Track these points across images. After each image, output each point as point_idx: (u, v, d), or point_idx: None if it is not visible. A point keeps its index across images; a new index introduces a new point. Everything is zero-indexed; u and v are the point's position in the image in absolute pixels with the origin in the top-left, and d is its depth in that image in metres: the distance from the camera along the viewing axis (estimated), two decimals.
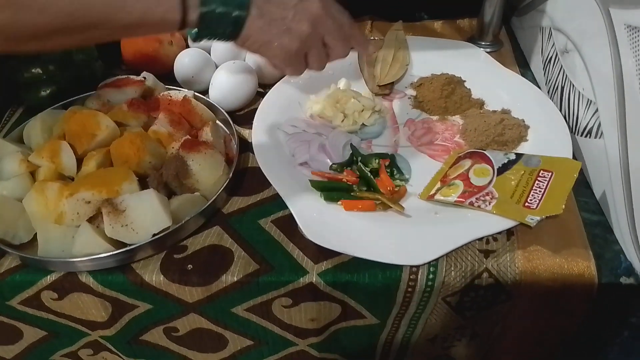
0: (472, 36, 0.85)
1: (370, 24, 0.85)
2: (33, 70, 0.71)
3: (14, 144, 0.64)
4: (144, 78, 0.70)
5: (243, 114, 0.73)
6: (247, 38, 0.52)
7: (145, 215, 0.51)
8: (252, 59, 0.75)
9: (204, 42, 0.77)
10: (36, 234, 0.55)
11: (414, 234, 0.53)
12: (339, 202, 0.57)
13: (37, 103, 0.73)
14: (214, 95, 0.71)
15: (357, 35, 0.60)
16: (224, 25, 0.50)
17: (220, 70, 0.71)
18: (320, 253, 0.54)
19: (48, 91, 0.71)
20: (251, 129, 0.67)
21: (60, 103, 0.69)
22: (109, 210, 0.51)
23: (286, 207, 0.58)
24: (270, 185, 0.61)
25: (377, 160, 0.60)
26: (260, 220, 0.58)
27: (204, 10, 0.48)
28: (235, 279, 0.52)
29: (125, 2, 0.46)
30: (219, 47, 0.76)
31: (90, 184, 0.53)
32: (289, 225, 0.57)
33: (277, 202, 0.60)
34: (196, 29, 0.50)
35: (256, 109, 0.73)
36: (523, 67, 0.80)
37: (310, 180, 0.59)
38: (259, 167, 0.63)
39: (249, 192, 0.61)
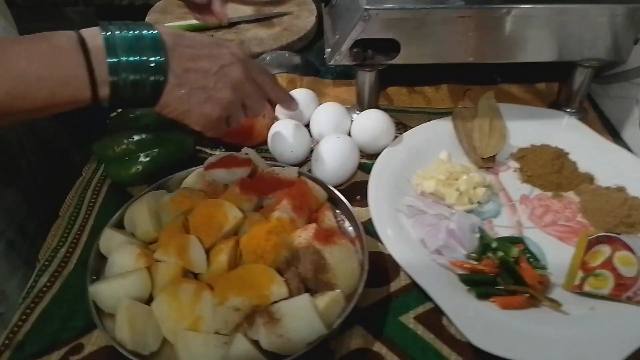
0: (554, 102, 0.85)
1: (464, 92, 0.83)
2: (124, 147, 0.66)
3: (119, 232, 0.59)
4: (247, 155, 0.66)
5: (344, 189, 0.70)
6: (165, 106, 0.52)
7: (301, 323, 0.47)
8: (355, 131, 0.72)
9: (294, 113, 0.76)
10: (163, 341, 0.50)
11: (581, 335, 0.50)
12: (492, 299, 0.54)
13: (127, 180, 0.68)
14: (319, 172, 0.68)
15: (280, 95, 0.63)
16: (140, 93, 0.49)
17: (327, 145, 0.68)
18: (477, 356, 0.51)
19: (140, 168, 0.67)
20: (354, 205, 0.64)
21: (157, 183, 0.64)
22: (266, 320, 0.47)
23: (424, 301, 0.55)
24: (399, 272, 0.59)
25: (517, 248, 0.57)
26: (401, 316, 0.55)
27: (114, 79, 0.47)
28: None
29: (28, 90, 0.45)
30: (320, 119, 0.73)
31: (237, 289, 0.48)
32: (434, 322, 0.54)
33: (411, 294, 0.57)
34: (108, 102, 0.49)
35: (355, 182, 0.71)
36: (613, 135, 0.79)
37: (458, 275, 0.56)
38: (380, 252, 0.60)
39: (380, 281, 0.58)
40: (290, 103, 0.65)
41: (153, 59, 0.48)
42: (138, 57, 0.48)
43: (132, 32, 0.48)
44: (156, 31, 0.50)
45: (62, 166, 0.84)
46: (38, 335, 0.53)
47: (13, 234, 0.67)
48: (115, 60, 0.47)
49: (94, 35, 0.47)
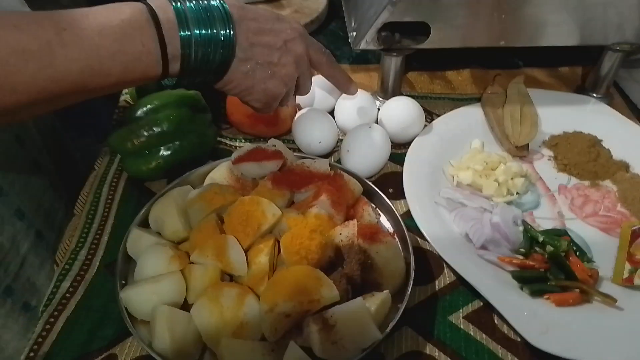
0: (580, 86, 0.83)
1: (494, 78, 0.80)
2: (144, 140, 0.62)
3: (147, 231, 0.55)
4: (275, 146, 0.62)
5: (375, 181, 0.67)
6: (229, 82, 0.50)
7: (356, 329, 0.44)
8: (384, 120, 0.69)
9: (322, 103, 0.72)
10: (203, 349, 0.47)
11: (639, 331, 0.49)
12: (545, 297, 0.52)
13: (146, 175, 0.64)
14: (350, 163, 0.64)
15: (339, 76, 0.60)
16: (207, 68, 0.47)
17: (359, 135, 0.65)
18: (534, 356, 0.49)
19: (161, 161, 0.63)
20: (388, 198, 0.61)
21: (180, 178, 0.60)
22: (320, 326, 0.44)
23: (472, 299, 0.53)
24: (443, 269, 0.56)
25: (565, 242, 0.55)
26: (450, 316, 0.52)
27: (186, 52, 0.44)
28: None
29: (102, 66, 0.41)
30: (346, 108, 0.69)
31: (286, 294, 0.45)
32: (485, 321, 0.52)
33: (458, 292, 0.54)
34: (177, 77, 0.47)
35: (386, 173, 0.68)
36: None
37: (511, 272, 0.54)
38: (421, 247, 0.58)
39: (424, 279, 0.56)
40: (349, 85, 0.62)
41: (223, 32, 0.46)
42: (209, 31, 0.45)
43: (200, 3, 0.45)
44: (223, 2, 0.46)
45: (73, 157, 0.79)
46: (66, 346, 0.49)
47: (41, 223, 0.63)
48: (188, 34, 0.44)
49: (164, 8, 0.44)
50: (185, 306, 0.49)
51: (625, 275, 0.54)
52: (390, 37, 0.69)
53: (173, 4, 0.44)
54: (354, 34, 0.72)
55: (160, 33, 0.43)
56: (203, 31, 0.45)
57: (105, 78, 0.42)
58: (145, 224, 0.57)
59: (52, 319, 0.51)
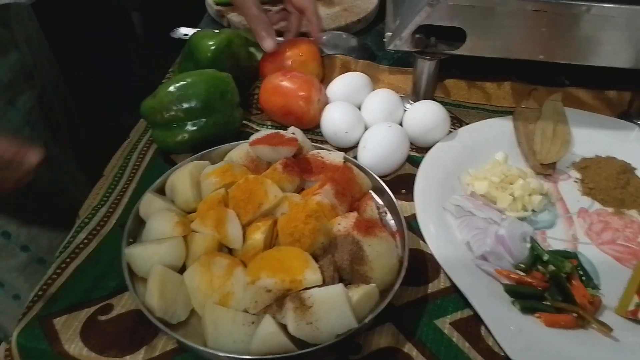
0: (625, 112, 0.79)
1: (529, 92, 0.78)
2: (172, 114, 0.66)
3: (159, 197, 0.58)
4: (293, 134, 0.64)
5: (390, 180, 0.67)
6: None
7: (332, 313, 0.45)
8: (407, 121, 0.69)
9: (352, 98, 0.73)
10: (192, 312, 0.50)
11: None
12: (537, 315, 0.50)
13: (172, 148, 0.68)
14: (365, 159, 0.65)
15: None
16: None
17: (377, 133, 0.66)
18: None
19: (187, 136, 0.66)
20: (398, 199, 0.61)
21: (201, 153, 0.64)
22: (297, 305, 0.45)
23: (462, 307, 0.53)
24: (439, 274, 0.56)
25: (570, 264, 0.53)
26: (436, 320, 0.52)
27: None
28: None
29: None
30: (372, 105, 0.70)
31: (271, 270, 0.47)
32: (471, 330, 0.51)
33: (450, 298, 0.54)
34: None
35: (402, 174, 0.68)
36: None
37: (504, 285, 0.53)
38: (421, 250, 0.58)
39: (418, 281, 0.55)
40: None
41: None
42: None
43: None
44: None
45: (112, 128, 0.85)
46: (70, 291, 0.54)
47: (68, 182, 0.72)
48: None
49: None
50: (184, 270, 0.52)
51: (632, 307, 0.52)
52: (424, 39, 0.70)
53: None
54: (390, 34, 0.73)
55: None
56: None
57: None
58: (163, 192, 0.61)
59: (63, 265, 0.56)
